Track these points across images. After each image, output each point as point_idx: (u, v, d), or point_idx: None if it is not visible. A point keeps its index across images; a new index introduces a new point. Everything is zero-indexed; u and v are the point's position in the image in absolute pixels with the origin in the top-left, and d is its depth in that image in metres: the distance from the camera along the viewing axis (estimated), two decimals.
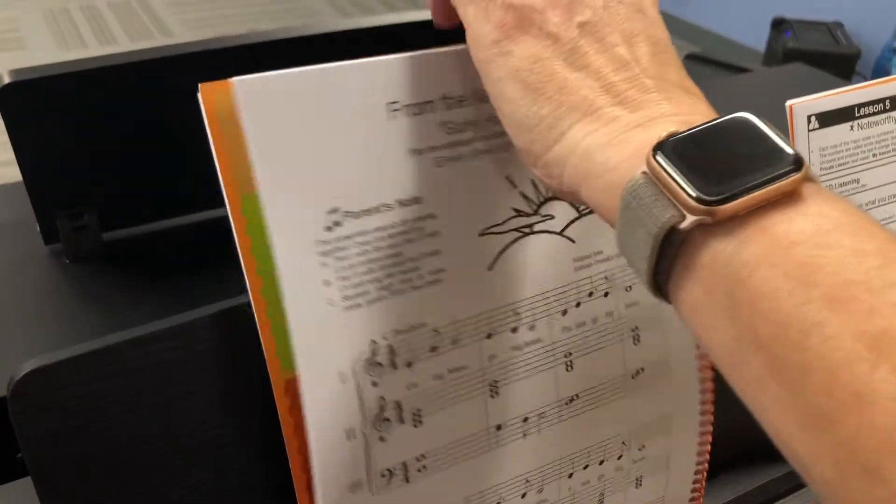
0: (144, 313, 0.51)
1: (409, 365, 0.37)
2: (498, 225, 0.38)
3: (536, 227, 0.39)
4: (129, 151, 0.56)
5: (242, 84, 0.33)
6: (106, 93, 0.52)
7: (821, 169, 0.47)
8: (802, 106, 0.47)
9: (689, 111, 0.30)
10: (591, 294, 0.41)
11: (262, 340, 0.35)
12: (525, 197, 0.38)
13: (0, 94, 0.47)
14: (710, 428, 0.46)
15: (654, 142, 0.28)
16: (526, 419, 0.40)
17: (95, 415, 0.34)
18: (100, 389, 0.34)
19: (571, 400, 0.41)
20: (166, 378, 0.35)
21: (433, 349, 0.37)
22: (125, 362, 0.34)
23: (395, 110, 0.35)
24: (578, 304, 0.41)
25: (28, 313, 0.55)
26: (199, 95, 0.32)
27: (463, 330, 0.38)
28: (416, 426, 0.38)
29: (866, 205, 0.49)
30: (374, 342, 0.36)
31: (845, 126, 0.48)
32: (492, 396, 0.39)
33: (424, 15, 0.57)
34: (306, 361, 0.35)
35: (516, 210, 0.38)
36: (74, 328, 0.54)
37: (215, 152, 0.33)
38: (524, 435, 0.41)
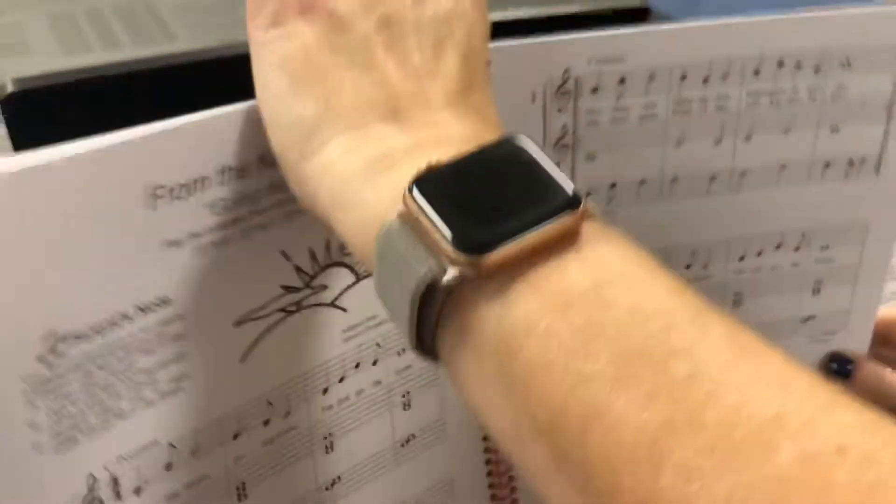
0: None
1: (136, 491, 0.30)
2: (259, 309, 0.32)
3: (305, 303, 0.33)
4: None
5: None
6: (112, 101, 0.51)
7: None
8: None
9: (471, 135, 0.25)
10: (357, 365, 0.36)
11: None
12: (299, 270, 0.33)
13: (4, 104, 0.47)
14: (509, 494, 0.42)
15: (413, 175, 0.23)
16: None
17: None
18: None
19: (333, 484, 0.37)
20: None
21: (167, 466, 0.31)
22: None
23: (159, 197, 0.27)
24: (342, 379, 0.36)
25: None
26: None
27: (204, 437, 0.31)
28: None
29: None
30: (92, 476, 0.29)
31: None
32: (239, 500, 0.34)
33: None
34: None
35: (285, 287, 0.32)
36: None
37: None
38: None
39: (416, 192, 0.22)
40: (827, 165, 0.40)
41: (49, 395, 0.27)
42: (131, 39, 0.53)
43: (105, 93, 0.50)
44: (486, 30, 0.29)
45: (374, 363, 0.37)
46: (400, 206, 0.23)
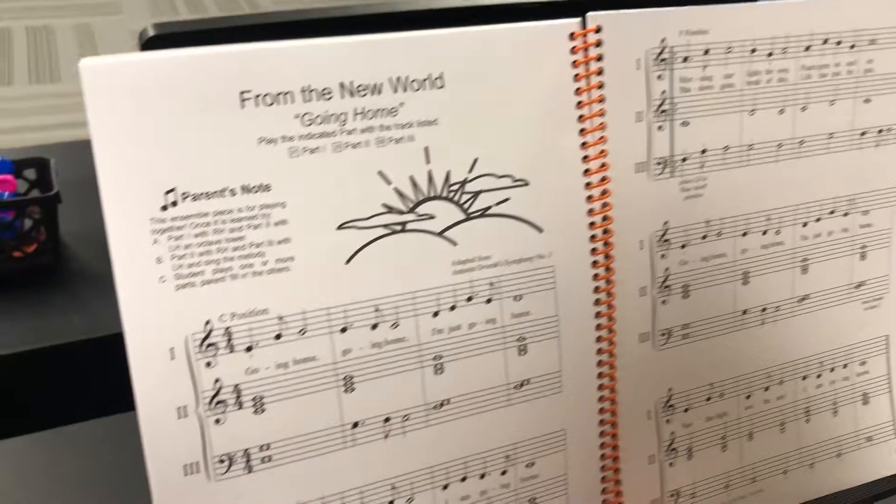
0: None
1: (248, 349, 0.37)
2: (361, 220, 0.38)
3: (410, 226, 0.38)
4: None
5: (87, 69, 0.33)
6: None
7: None
8: None
9: None
10: (469, 299, 0.40)
11: None
12: (400, 194, 0.38)
13: (144, 47, 0.53)
14: (615, 451, 0.44)
15: None
16: (387, 419, 0.40)
17: None
18: None
19: (441, 404, 0.40)
20: None
21: (277, 336, 0.37)
22: None
23: (245, 100, 0.35)
24: (453, 308, 0.40)
25: None
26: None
27: (312, 321, 0.37)
28: (256, 413, 0.37)
29: None
30: (208, 322, 0.36)
31: None
32: (346, 391, 0.39)
33: None
34: (134, 336, 0.35)
35: (387, 206, 0.38)
36: None
37: None
38: (385, 436, 0.40)
39: None
40: (863, 134, 0.46)
41: (167, 236, 0.35)
42: (215, 3, 0.54)
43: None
44: None
45: (489, 301, 0.41)
46: None
